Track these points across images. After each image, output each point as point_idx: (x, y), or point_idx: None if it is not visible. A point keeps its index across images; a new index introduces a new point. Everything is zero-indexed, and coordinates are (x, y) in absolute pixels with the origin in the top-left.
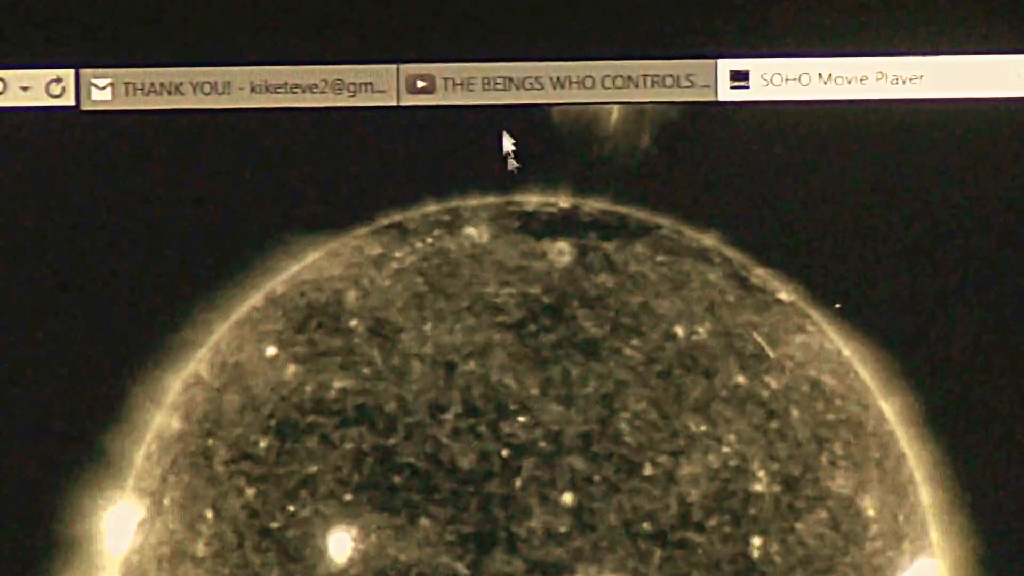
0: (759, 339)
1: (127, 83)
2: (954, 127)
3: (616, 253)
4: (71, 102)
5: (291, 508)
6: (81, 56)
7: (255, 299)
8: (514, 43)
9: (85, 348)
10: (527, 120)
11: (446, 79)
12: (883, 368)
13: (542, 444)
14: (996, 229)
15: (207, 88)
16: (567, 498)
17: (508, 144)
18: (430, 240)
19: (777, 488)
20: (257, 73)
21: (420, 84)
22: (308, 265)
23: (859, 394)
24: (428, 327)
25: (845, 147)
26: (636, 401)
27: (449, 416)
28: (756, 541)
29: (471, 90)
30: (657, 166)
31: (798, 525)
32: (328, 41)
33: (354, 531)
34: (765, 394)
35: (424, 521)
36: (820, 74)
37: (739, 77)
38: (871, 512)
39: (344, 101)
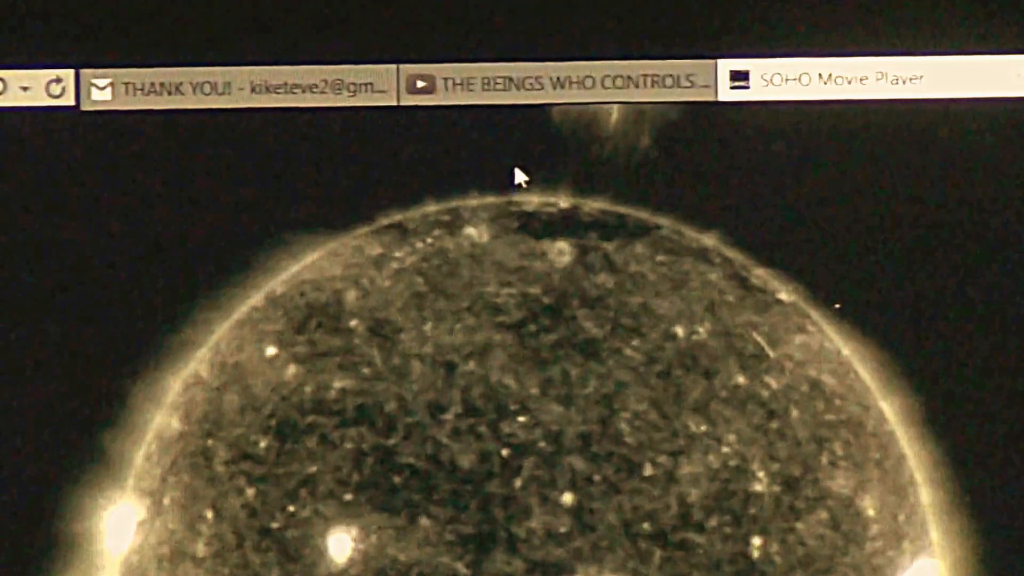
0: (759, 339)
1: (127, 83)
2: (954, 127)
3: (616, 253)
4: (71, 102)
5: (291, 508)
6: (81, 56)
7: (255, 299)
8: (514, 43)
9: (85, 348)
10: (527, 120)
11: (446, 79)
12: (883, 368)
13: (542, 444)
14: (996, 229)
15: (207, 88)
16: (567, 498)
17: (520, 178)
18: (430, 240)
19: (777, 488)
20: (257, 73)
21: (420, 84)
22: (308, 265)
23: (859, 394)
24: (428, 327)
25: (845, 147)
26: (636, 401)
27: (449, 416)
28: (756, 541)
29: (471, 90)
30: (657, 166)
31: (798, 525)
32: (328, 41)
33: (354, 531)
34: (765, 394)
35: (424, 521)
36: (820, 74)
37: (739, 77)
38: (871, 512)
39: (344, 101)
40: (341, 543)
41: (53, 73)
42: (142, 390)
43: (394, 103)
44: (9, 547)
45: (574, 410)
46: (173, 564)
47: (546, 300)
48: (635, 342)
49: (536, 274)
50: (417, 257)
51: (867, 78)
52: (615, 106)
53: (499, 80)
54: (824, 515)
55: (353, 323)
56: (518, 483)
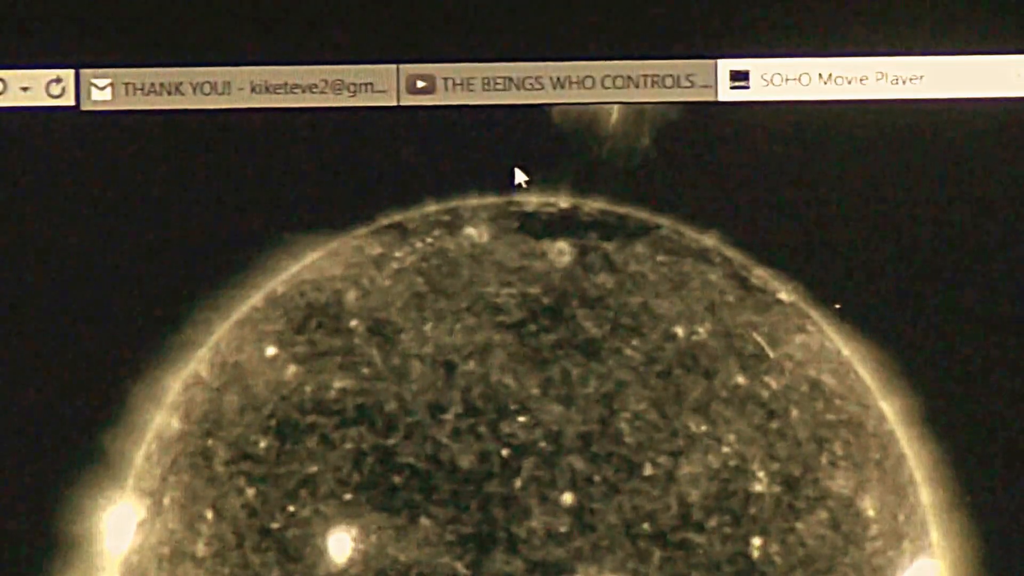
0: (759, 339)
1: (127, 83)
2: (954, 127)
3: (616, 253)
4: (71, 102)
5: (291, 508)
6: (81, 56)
7: (255, 299)
8: (514, 43)
9: (85, 348)
10: (527, 120)
11: (446, 79)
12: (883, 368)
13: (542, 444)
14: (996, 229)
15: (207, 88)
16: (567, 498)
17: (520, 178)
18: (430, 240)
19: (777, 488)
20: (257, 73)
21: (420, 84)
22: (308, 265)
23: (859, 394)
24: (428, 327)
25: (845, 147)
26: (636, 401)
27: (449, 416)
28: (756, 541)
29: (471, 90)
30: (657, 166)
31: (798, 525)
32: (328, 41)
33: (354, 531)
34: (765, 394)
35: (424, 521)
36: (820, 74)
37: (739, 77)
38: (871, 512)
39: (344, 101)
40: (341, 543)
41: (53, 73)
42: (142, 390)
43: (394, 103)
44: (9, 547)
45: (574, 410)
46: (173, 564)
47: (546, 300)
48: (635, 342)
49: (536, 274)
50: (417, 257)
51: (867, 78)
52: (615, 106)
53: (499, 80)
54: (824, 515)
55: (353, 323)
56: (518, 483)
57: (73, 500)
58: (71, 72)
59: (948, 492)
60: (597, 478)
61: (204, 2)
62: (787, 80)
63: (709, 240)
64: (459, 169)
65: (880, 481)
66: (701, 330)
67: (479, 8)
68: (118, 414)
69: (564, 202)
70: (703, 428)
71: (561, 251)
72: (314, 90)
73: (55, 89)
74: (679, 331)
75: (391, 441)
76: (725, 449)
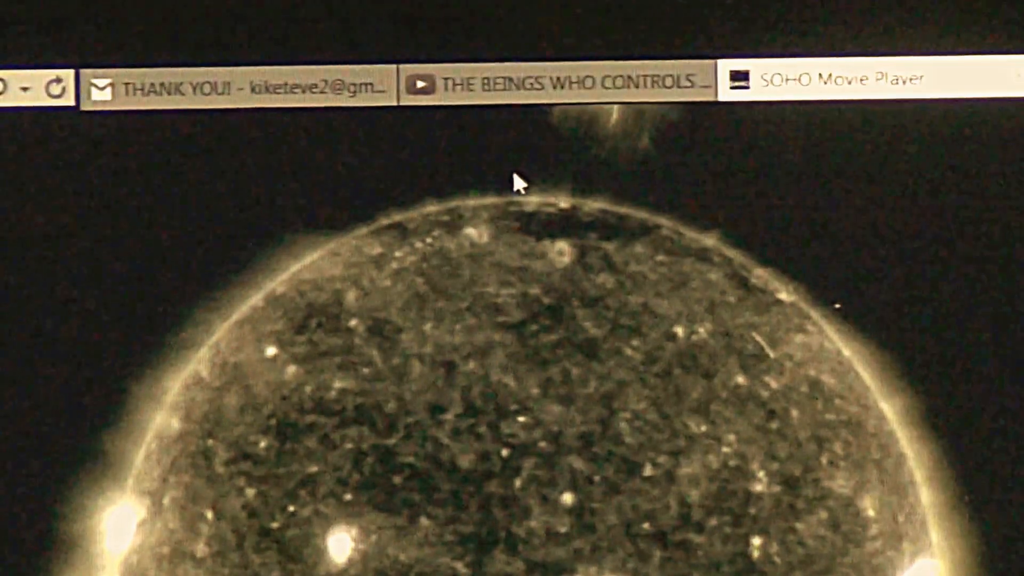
0: (759, 339)
1: (127, 83)
2: (954, 127)
3: (616, 253)
4: (71, 102)
5: (291, 508)
6: (81, 56)
7: (255, 299)
8: (514, 43)
9: (85, 348)
10: (527, 120)
11: (446, 79)
12: (883, 368)
13: (542, 444)
14: (996, 229)
15: (207, 88)
16: (567, 498)
17: (519, 184)
18: (430, 240)
19: (777, 488)
20: (257, 73)
21: (420, 84)
22: (308, 265)
23: (859, 394)
24: (428, 327)
25: (845, 147)
26: (636, 401)
27: (449, 416)
28: (756, 541)
29: (471, 90)
30: (657, 166)
31: (798, 525)
32: (328, 41)
33: (354, 531)
34: (765, 394)
35: (424, 521)
36: (820, 74)
37: (739, 77)
38: (871, 512)
39: (344, 101)
40: (341, 543)
41: (53, 73)
42: (142, 390)
43: (394, 103)
44: (9, 547)
45: (574, 410)
46: (173, 564)
47: (546, 300)
48: (635, 342)
49: (536, 274)
50: (417, 257)
51: (867, 78)
52: (615, 106)
53: (499, 80)
54: (824, 515)
55: (353, 323)
56: (518, 483)
57: (74, 500)
58: (71, 72)
59: (948, 492)
60: (597, 478)
61: (204, 2)
62: (787, 80)
63: (709, 240)
64: (459, 169)
65: (880, 481)
66: (701, 330)
67: (479, 8)
68: (118, 414)
69: (564, 202)
70: (703, 428)
71: (561, 251)
72: (314, 90)
73: (55, 89)
74: (679, 331)
75: (391, 441)
76: (725, 449)
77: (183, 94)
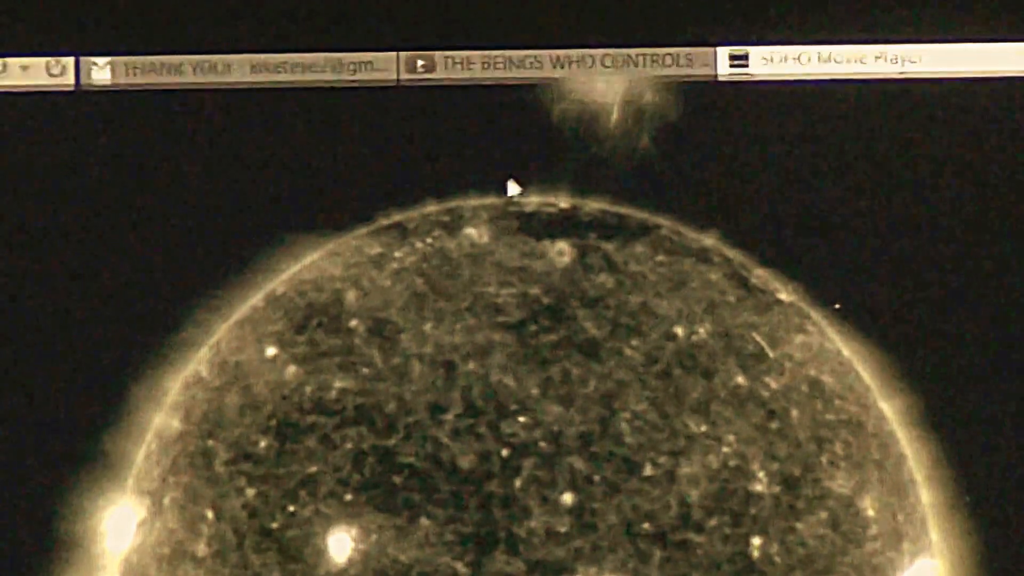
0: (759, 339)
1: (127, 63)
2: (956, 109)
3: (616, 253)
4: (70, 82)
5: (291, 508)
6: (81, 43)
7: (255, 299)
8: (513, 37)
9: (85, 348)
10: (527, 119)
11: (446, 58)
12: (883, 368)
13: (542, 444)
14: (997, 228)
15: (207, 66)
16: (567, 498)
17: (514, 190)
18: (430, 240)
19: (777, 488)
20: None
21: (420, 63)
22: (308, 265)
23: (859, 394)
24: (428, 327)
25: (844, 128)
26: (636, 401)
27: (449, 416)
28: (756, 541)
29: (471, 70)
30: (656, 160)
31: (798, 525)
32: (328, 29)
33: (354, 531)
34: (765, 394)
35: (424, 521)
36: (819, 55)
37: (738, 57)
38: (871, 512)
39: (346, 78)
40: (341, 543)
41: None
42: (142, 390)
43: (393, 80)
44: (9, 547)
45: (574, 410)
46: (173, 564)
47: (546, 300)
48: (635, 342)
49: (536, 274)
50: (417, 257)
51: (865, 56)
52: (615, 106)
53: (499, 61)
54: (824, 515)
55: (353, 323)
56: (518, 483)
57: (74, 500)
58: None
59: (948, 492)
60: (597, 478)
61: None
62: (786, 59)
63: (709, 240)
64: (460, 149)
65: (880, 481)
66: (701, 330)
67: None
68: (118, 414)
69: (564, 202)
70: (703, 428)
71: (561, 251)
72: (314, 69)
73: (54, 68)
74: (679, 331)
75: (391, 441)
76: (725, 449)
77: (183, 74)
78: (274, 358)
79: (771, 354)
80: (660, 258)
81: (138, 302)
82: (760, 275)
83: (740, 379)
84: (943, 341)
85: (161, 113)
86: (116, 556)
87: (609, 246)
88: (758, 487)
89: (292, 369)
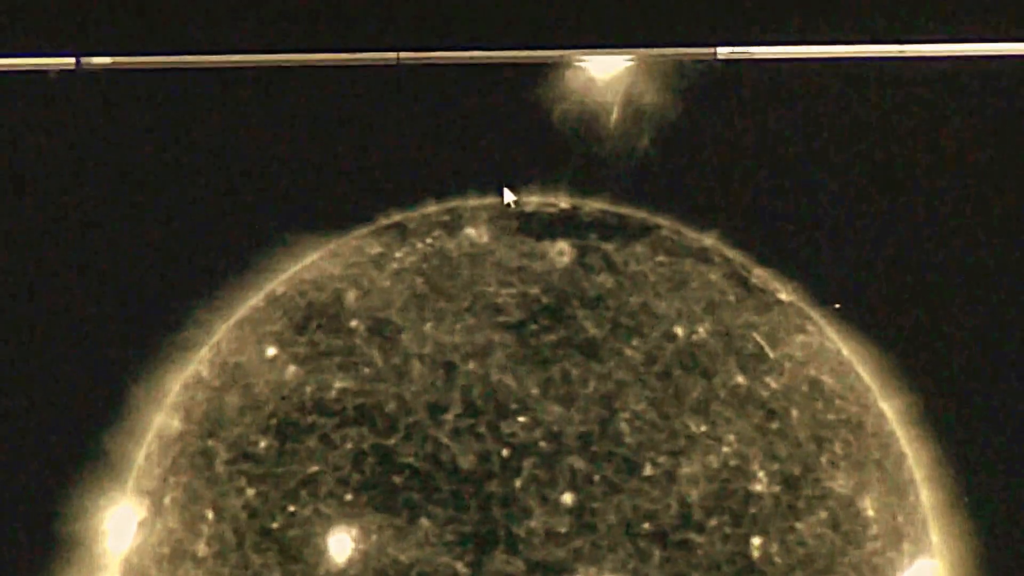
0: (759, 339)
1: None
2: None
3: (616, 253)
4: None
5: (291, 508)
6: (79, 45)
7: (255, 299)
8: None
9: (85, 348)
10: (527, 120)
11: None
12: (883, 368)
13: (542, 444)
14: (998, 227)
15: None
16: (567, 498)
17: (508, 197)
18: (430, 240)
19: (777, 488)
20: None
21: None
22: (308, 265)
23: (859, 394)
24: (428, 327)
25: (845, 130)
26: (636, 401)
27: (449, 416)
28: (756, 541)
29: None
30: (656, 164)
31: (798, 525)
32: (327, 28)
33: (354, 531)
34: (765, 394)
35: (424, 521)
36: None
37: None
38: (871, 512)
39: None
40: (341, 543)
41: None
42: (142, 390)
43: (394, 60)
44: (9, 547)
45: (574, 410)
46: (173, 564)
47: (546, 300)
48: (635, 342)
49: (536, 274)
50: (417, 257)
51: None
52: (615, 106)
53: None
54: (824, 515)
55: (353, 323)
56: (518, 483)
57: (74, 500)
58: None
59: (948, 492)
60: (597, 478)
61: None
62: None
63: (709, 240)
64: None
65: (880, 481)
66: (701, 330)
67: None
68: (118, 414)
69: (564, 202)
70: (703, 428)
71: (561, 251)
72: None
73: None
74: (679, 331)
75: (391, 441)
76: (725, 449)
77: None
78: (274, 358)
79: (771, 354)
80: (660, 258)
81: (138, 302)
82: (760, 275)
83: (740, 379)
84: (943, 341)
85: (161, 113)
86: (116, 556)
87: (609, 246)
88: (758, 487)
89: (292, 369)
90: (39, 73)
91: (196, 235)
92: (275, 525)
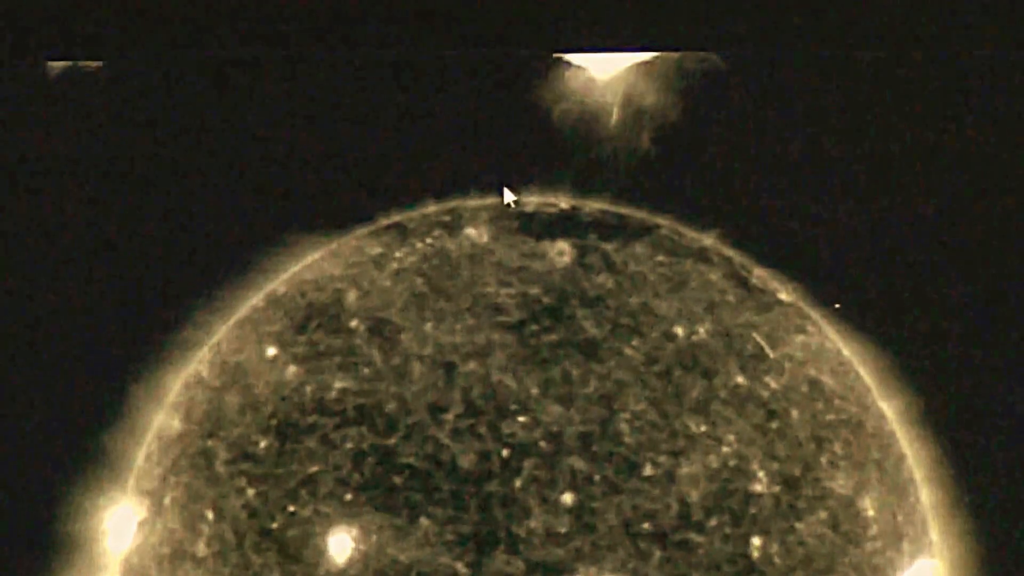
0: (759, 339)
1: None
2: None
3: (616, 253)
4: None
5: (291, 508)
6: (80, 44)
7: (255, 299)
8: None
9: (85, 348)
10: (527, 120)
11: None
12: (883, 368)
13: (542, 444)
14: (998, 227)
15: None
16: (567, 498)
17: (508, 197)
18: (430, 240)
19: (777, 488)
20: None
21: None
22: (308, 265)
23: (859, 394)
24: (428, 327)
25: (845, 130)
26: (636, 401)
27: (449, 416)
28: (756, 541)
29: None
30: (656, 164)
31: (798, 525)
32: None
33: (354, 531)
34: (765, 394)
35: (424, 521)
36: None
37: None
38: (871, 512)
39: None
40: (341, 543)
41: None
42: (142, 390)
43: None
44: (9, 547)
45: (574, 410)
46: (174, 564)
47: (546, 300)
48: (635, 342)
49: (536, 274)
50: (417, 257)
51: None
52: (615, 106)
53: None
54: (824, 515)
55: (353, 323)
56: (518, 483)
57: (74, 500)
58: None
59: (948, 492)
60: (597, 478)
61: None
62: None
63: (709, 240)
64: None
65: (880, 481)
66: (701, 330)
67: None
68: (118, 414)
69: (564, 202)
70: (703, 428)
71: (561, 251)
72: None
73: None
74: (679, 331)
75: (391, 441)
76: (725, 449)
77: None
78: (274, 358)
79: (771, 354)
80: (660, 258)
81: (138, 302)
82: (760, 275)
83: (740, 379)
84: (943, 341)
85: (161, 113)
86: (116, 556)
87: (609, 246)
88: (758, 487)
89: (292, 369)
90: (39, 73)
91: (196, 235)
92: (275, 525)
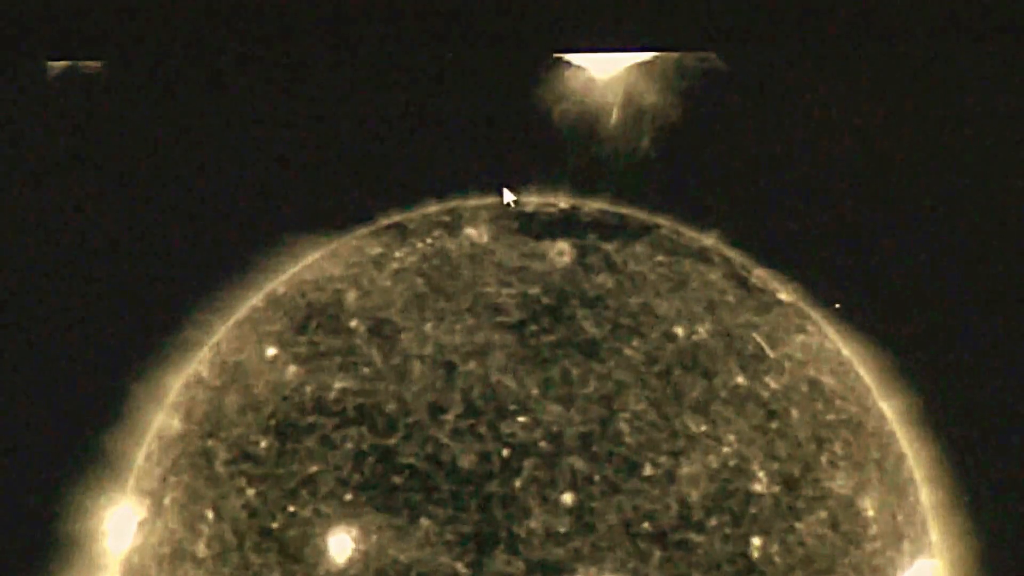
0: (759, 339)
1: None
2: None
3: (616, 253)
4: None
5: (291, 508)
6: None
7: (255, 299)
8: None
9: (85, 348)
10: (527, 120)
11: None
12: (883, 368)
13: (542, 444)
14: (998, 227)
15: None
16: (567, 498)
17: (508, 197)
18: (430, 240)
19: (777, 488)
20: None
21: None
22: (308, 265)
23: (859, 394)
24: (428, 327)
25: (845, 130)
26: (636, 401)
27: (449, 416)
28: (756, 541)
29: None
30: (656, 164)
31: (798, 525)
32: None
33: (354, 531)
34: (765, 394)
35: (424, 521)
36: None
37: None
38: (871, 512)
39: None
40: (341, 543)
41: None
42: (142, 390)
43: None
44: (9, 547)
45: (574, 410)
46: (173, 564)
47: (546, 300)
48: (635, 342)
49: (536, 274)
50: (417, 257)
51: None
52: (615, 106)
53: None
54: (824, 515)
55: (353, 323)
56: (518, 483)
57: (73, 500)
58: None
59: (948, 492)
60: (597, 478)
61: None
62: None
63: (709, 240)
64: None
65: (880, 481)
66: (701, 330)
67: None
68: (118, 414)
69: (564, 202)
70: (703, 428)
71: (561, 251)
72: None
73: None
74: (679, 331)
75: (391, 441)
76: (725, 449)
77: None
78: (274, 358)
79: (771, 354)
80: (660, 258)
81: (138, 302)
82: (760, 275)
83: (740, 379)
84: (943, 341)
85: (161, 113)
86: (116, 556)
87: (609, 246)
88: (758, 487)
89: (292, 369)
90: (39, 73)
91: (196, 235)
92: (275, 525)
